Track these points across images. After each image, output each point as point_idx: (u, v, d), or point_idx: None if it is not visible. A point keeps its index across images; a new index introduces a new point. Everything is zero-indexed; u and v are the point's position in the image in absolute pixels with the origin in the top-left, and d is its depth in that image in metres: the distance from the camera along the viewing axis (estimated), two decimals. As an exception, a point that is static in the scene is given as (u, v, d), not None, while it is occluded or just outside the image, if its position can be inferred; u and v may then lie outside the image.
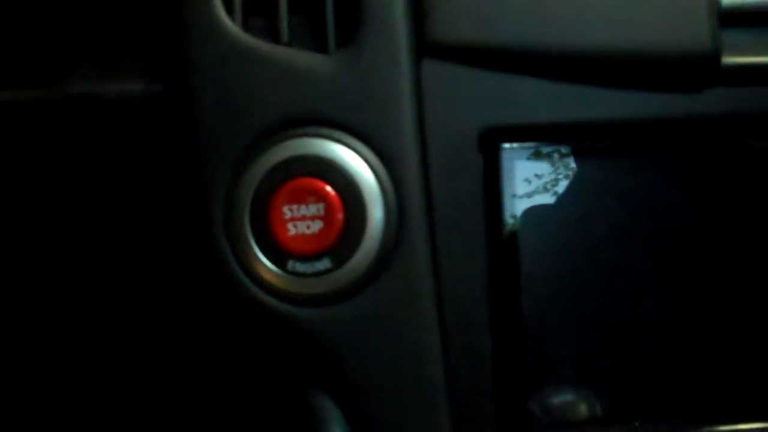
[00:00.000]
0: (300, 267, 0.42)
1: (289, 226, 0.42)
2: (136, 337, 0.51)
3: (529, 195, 0.47)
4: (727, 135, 0.47)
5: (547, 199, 0.47)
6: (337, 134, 0.43)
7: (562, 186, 0.47)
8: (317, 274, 0.42)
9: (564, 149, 0.47)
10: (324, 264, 0.42)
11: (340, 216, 0.42)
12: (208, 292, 0.44)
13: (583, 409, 0.48)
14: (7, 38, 0.46)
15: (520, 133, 0.46)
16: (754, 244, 0.48)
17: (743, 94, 0.45)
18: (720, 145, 0.48)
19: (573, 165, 0.47)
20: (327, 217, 0.42)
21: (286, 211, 0.42)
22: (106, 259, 0.49)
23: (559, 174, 0.47)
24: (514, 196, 0.47)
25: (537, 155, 0.47)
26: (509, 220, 0.47)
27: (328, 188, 0.42)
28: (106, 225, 0.48)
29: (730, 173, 0.48)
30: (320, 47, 0.44)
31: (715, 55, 0.44)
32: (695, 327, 0.48)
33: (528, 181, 0.47)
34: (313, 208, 0.42)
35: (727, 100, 0.45)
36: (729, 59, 0.45)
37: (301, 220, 0.42)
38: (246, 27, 0.43)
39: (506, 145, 0.47)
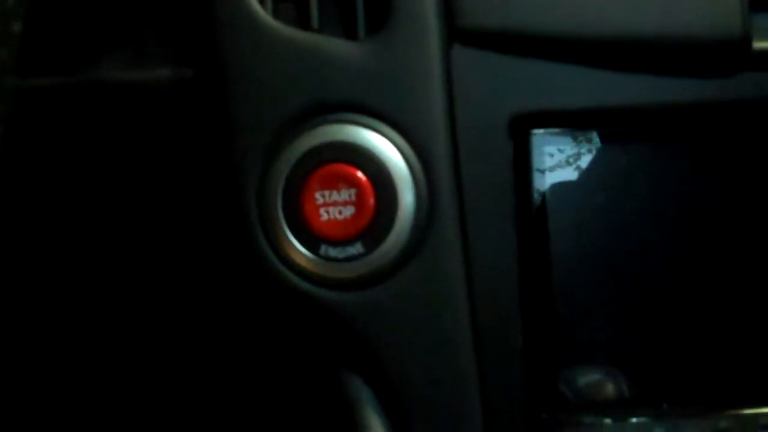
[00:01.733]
0: (332, 252, 0.43)
1: (321, 211, 0.42)
2: (166, 322, 0.51)
3: (557, 180, 0.47)
4: (758, 120, 0.47)
5: (575, 181, 0.47)
6: (368, 120, 0.43)
7: (588, 168, 0.47)
8: (349, 259, 0.43)
9: (590, 133, 0.47)
10: (356, 249, 0.43)
11: (371, 201, 0.43)
12: (241, 278, 0.44)
13: (611, 390, 0.48)
14: (39, 24, 0.46)
15: (550, 118, 0.46)
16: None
17: None
18: (750, 131, 0.48)
19: (599, 145, 0.47)
20: (359, 203, 0.42)
21: (318, 196, 0.42)
22: (137, 245, 0.49)
23: (584, 154, 0.47)
24: (543, 182, 0.47)
25: (564, 136, 0.47)
26: (538, 201, 0.47)
27: (360, 174, 0.43)
28: (137, 211, 0.48)
29: (761, 157, 0.48)
30: (350, 34, 0.44)
31: (746, 40, 0.44)
32: (725, 309, 0.48)
33: (556, 166, 0.47)
34: (345, 194, 0.42)
35: (757, 85, 0.45)
36: (759, 44, 0.45)
37: (333, 206, 0.42)
38: (276, 13, 0.43)
39: (536, 131, 0.47)
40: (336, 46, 0.43)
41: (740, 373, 0.48)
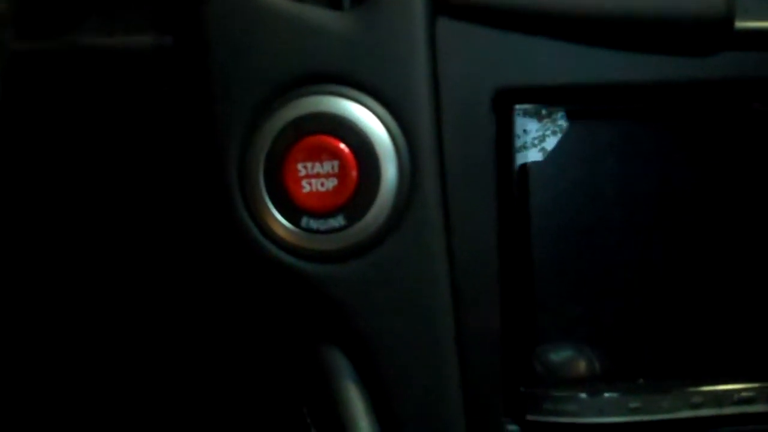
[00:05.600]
0: (314, 224, 0.43)
1: (303, 183, 0.42)
2: (147, 297, 0.51)
3: (541, 156, 0.47)
4: (736, 99, 0.48)
5: (558, 158, 0.47)
6: (351, 92, 0.43)
7: (572, 146, 0.47)
8: (331, 231, 0.43)
9: (570, 110, 0.47)
10: (338, 221, 0.43)
11: (354, 173, 0.42)
12: (221, 248, 0.44)
13: (588, 366, 0.48)
14: None
15: (534, 94, 0.46)
16: (759, 205, 0.48)
17: (755, 59, 0.45)
18: (729, 109, 0.48)
19: (583, 125, 0.47)
20: (341, 175, 0.42)
21: (301, 168, 0.42)
22: (115, 214, 0.49)
23: (568, 134, 0.47)
24: (525, 156, 0.47)
25: (545, 114, 0.47)
26: (520, 177, 0.47)
27: (342, 146, 0.42)
28: (115, 181, 0.48)
29: (737, 136, 0.48)
30: (335, 4, 0.43)
31: (728, 19, 0.44)
32: (700, 286, 0.48)
33: (538, 141, 0.47)
34: (328, 166, 0.42)
35: (739, 64, 0.45)
36: (742, 23, 0.45)
37: (315, 178, 0.42)
38: None
39: (519, 106, 0.47)
40: (320, 15, 0.43)
41: (714, 348, 0.49)
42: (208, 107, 0.43)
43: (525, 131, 0.47)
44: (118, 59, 0.45)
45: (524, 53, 0.45)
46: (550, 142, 0.47)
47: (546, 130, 0.47)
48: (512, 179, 0.47)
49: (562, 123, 0.47)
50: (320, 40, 0.42)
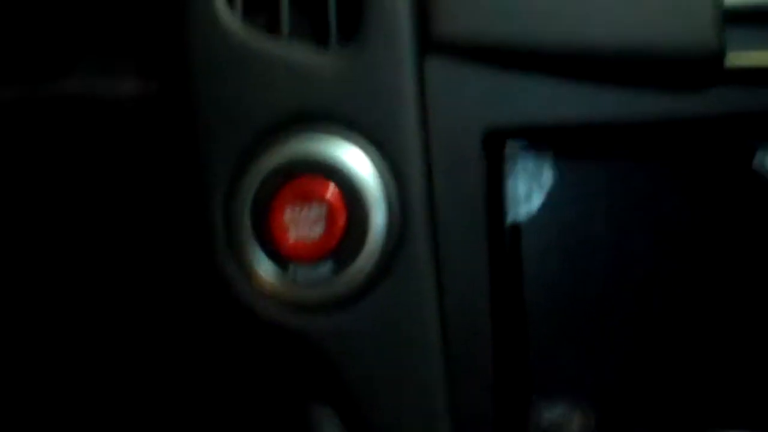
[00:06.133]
0: (301, 272, 0.41)
1: (291, 229, 0.41)
2: (129, 344, 0.50)
3: (532, 197, 0.46)
4: (729, 136, 0.47)
5: (551, 201, 0.46)
6: (340, 132, 0.41)
7: (565, 188, 0.46)
8: (319, 280, 0.41)
9: (562, 151, 0.46)
10: (326, 269, 0.41)
11: (342, 218, 0.41)
12: (206, 298, 0.43)
13: (583, 420, 0.47)
14: (3, 35, 0.44)
15: (525, 133, 0.45)
16: (761, 249, 0.47)
17: (746, 95, 0.45)
18: (722, 146, 0.47)
19: (574, 167, 0.46)
20: (329, 220, 0.41)
21: (288, 213, 0.41)
22: (99, 264, 0.48)
23: (560, 176, 0.46)
24: (517, 197, 0.46)
25: (537, 156, 0.46)
26: (512, 223, 0.46)
27: (331, 188, 0.41)
28: (100, 228, 0.47)
29: (734, 174, 0.47)
30: (322, 42, 0.42)
31: (719, 55, 0.44)
32: (701, 336, 0.47)
33: (530, 182, 0.46)
34: (316, 210, 0.41)
35: (730, 101, 0.45)
36: (733, 59, 0.44)
37: (303, 223, 0.41)
38: (246, 21, 0.42)
39: (510, 146, 0.45)
40: (306, 54, 0.42)
41: (715, 401, 0.47)
42: (193, 151, 0.41)
43: (539, 177, 0.46)
44: (102, 107, 0.44)
45: (515, 91, 0.44)
46: (565, 188, 0.46)
47: (559, 176, 0.46)
48: (504, 227, 0.46)
49: (547, 178, 0.46)
50: (307, 80, 0.41)
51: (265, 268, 0.41)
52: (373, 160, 0.42)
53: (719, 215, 0.47)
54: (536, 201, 0.46)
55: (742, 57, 0.44)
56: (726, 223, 0.47)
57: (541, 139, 0.46)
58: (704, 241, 0.47)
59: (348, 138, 0.41)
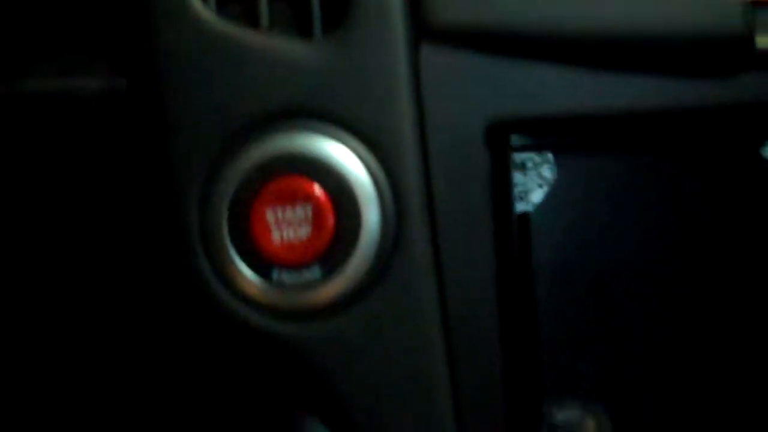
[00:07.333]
0: (286, 277, 0.39)
1: (273, 231, 0.39)
2: (108, 355, 0.49)
3: (540, 193, 0.44)
4: (748, 125, 0.44)
5: (560, 197, 0.44)
6: (326, 128, 0.39)
7: (574, 183, 0.44)
8: (305, 285, 0.39)
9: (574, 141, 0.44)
10: (313, 273, 0.39)
11: (330, 219, 0.39)
12: (184, 306, 0.41)
13: (595, 423, 0.45)
14: None
15: (532, 125, 0.42)
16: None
17: None
18: (736, 135, 0.44)
19: (582, 159, 0.44)
20: (316, 221, 0.39)
21: (270, 214, 0.39)
22: (69, 268, 0.47)
23: (570, 170, 0.44)
24: (524, 194, 0.44)
25: (543, 148, 0.44)
26: (521, 223, 0.43)
27: (317, 188, 0.39)
28: (70, 233, 0.46)
29: (745, 163, 0.45)
30: (305, 32, 0.40)
31: (748, 37, 0.40)
32: (719, 337, 0.45)
33: (538, 178, 0.44)
34: (300, 211, 0.39)
35: (761, 87, 0.42)
36: (764, 41, 0.41)
37: (286, 225, 0.39)
38: (221, 12, 0.40)
39: (516, 139, 0.43)
40: (288, 45, 0.39)
41: (730, 405, 0.45)
42: (165, 149, 0.39)
43: (546, 172, 0.45)
44: (67, 104, 0.43)
45: (520, 80, 0.41)
46: (574, 183, 0.45)
47: (569, 170, 0.45)
48: (511, 224, 0.43)
49: (548, 174, 0.44)
50: (289, 72, 0.39)
51: (245, 273, 0.39)
52: (362, 156, 0.39)
53: (733, 206, 0.45)
54: (542, 195, 0.45)
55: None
56: (740, 214, 0.45)
57: (548, 130, 0.43)
58: (728, 234, 0.45)
59: (334, 134, 0.39)
